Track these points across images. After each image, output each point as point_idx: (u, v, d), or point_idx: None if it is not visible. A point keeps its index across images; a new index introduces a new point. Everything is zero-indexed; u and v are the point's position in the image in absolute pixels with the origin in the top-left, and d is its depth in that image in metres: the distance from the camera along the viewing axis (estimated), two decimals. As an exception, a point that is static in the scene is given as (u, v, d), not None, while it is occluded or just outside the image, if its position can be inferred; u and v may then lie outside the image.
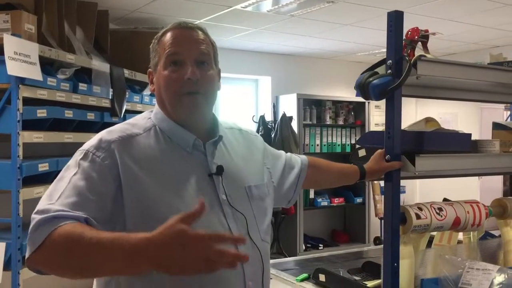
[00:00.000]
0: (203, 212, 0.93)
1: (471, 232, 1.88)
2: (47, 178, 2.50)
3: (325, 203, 5.85)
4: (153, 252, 0.91)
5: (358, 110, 6.11)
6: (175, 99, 1.26)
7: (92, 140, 1.23)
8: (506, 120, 4.83)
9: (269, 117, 5.71)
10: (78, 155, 1.20)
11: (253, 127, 5.47)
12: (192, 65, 1.24)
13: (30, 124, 2.41)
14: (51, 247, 1.01)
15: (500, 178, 4.96)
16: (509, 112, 5.17)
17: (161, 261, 0.91)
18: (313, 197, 5.82)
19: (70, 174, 1.15)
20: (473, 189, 5.10)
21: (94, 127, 3.01)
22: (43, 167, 2.44)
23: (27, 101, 2.37)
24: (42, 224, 1.03)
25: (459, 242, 2.00)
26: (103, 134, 1.24)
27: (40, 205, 1.10)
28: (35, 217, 1.05)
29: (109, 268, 1.00)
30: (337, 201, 5.95)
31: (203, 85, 1.26)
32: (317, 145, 5.78)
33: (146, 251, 0.91)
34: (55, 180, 1.17)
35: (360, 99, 1.57)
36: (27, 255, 1.05)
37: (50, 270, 1.06)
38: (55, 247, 1.01)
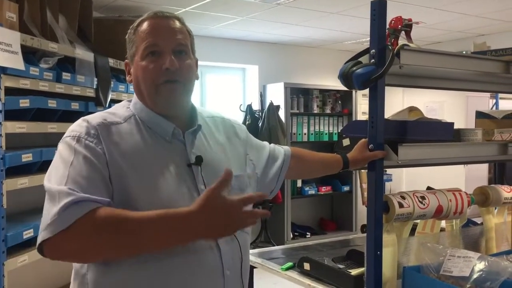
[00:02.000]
0: (230, 180, 1.07)
1: (454, 220, 1.90)
2: (31, 169, 2.47)
3: (312, 192, 5.88)
4: (199, 222, 1.05)
5: (345, 98, 6.12)
6: (153, 88, 1.26)
7: (78, 127, 1.22)
8: (491, 108, 4.87)
9: (256, 106, 5.70)
10: (69, 140, 1.19)
11: (240, 116, 5.47)
12: (170, 55, 1.25)
13: (13, 114, 2.38)
14: (95, 227, 1.06)
15: (485, 166, 5.00)
16: (494, 100, 5.22)
17: (206, 229, 1.07)
18: (300, 185, 5.85)
19: (70, 158, 1.15)
20: (459, 177, 5.15)
21: (78, 117, 2.92)
22: (27, 157, 2.41)
23: (9, 91, 2.33)
24: (71, 205, 1.06)
25: (442, 230, 2.02)
26: (88, 120, 1.24)
27: (55, 187, 1.11)
28: (64, 200, 1.07)
29: (157, 242, 1.09)
30: (324, 189, 5.99)
31: (181, 74, 1.27)
32: (305, 134, 5.79)
33: (194, 221, 1.05)
34: (53, 166, 1.18)
35: (348, 88, 1.58)
36: (47, 235, 1.07)
37: (80, 250, 1.08)
38: (102, 227, 1.06)
